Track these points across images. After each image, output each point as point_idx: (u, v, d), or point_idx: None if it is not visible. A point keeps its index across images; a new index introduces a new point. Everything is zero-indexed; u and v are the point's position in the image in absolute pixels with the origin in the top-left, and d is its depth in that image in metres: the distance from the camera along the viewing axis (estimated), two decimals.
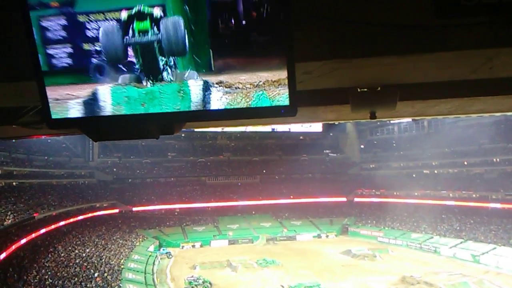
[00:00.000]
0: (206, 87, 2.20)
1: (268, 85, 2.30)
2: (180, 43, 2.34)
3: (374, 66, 3.25)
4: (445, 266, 40.87)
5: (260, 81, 2.21)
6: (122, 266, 37.02)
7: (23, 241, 30.47)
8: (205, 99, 2.30)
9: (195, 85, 2.20)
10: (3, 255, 25.50)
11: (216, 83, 2.19)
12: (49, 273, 27.93)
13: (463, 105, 4.29)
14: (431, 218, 56.33)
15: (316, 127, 73.19)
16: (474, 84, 3.64)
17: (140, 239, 51.94)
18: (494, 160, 55.62)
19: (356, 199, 69.52)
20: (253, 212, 66.46)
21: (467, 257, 44.27)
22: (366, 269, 40.63)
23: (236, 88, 2.24)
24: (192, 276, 35.52)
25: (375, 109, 3.92)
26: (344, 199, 69.88)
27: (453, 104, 4.22)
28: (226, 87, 2.21)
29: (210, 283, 34.68)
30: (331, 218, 66.85)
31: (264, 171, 73.59)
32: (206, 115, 3.05)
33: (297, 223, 65.53)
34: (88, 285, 27.76)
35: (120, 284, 31.00)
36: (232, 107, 2.55)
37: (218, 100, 2.24)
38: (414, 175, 65.38)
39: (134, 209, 60.50)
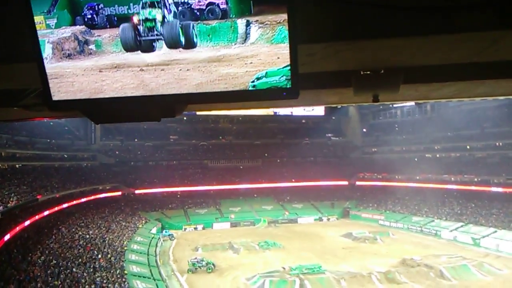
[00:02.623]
0: (248, 24, 2.93)
1: (285, 23, 2.84)
2: (176, 38, 3.02)
3: (378, 49, 3.22)
4: (446, 249, 41.18)
5: (281, 19, 2.81)
6: (125, 248, 37.47)
7: (27, 222, 30.81)
8: (247, 31, 2.94)
9: (241, 23, 2.95)
10: (8, 236, 25.83)
11: (254, 21, 2.91)
12: (53, 254, 28.32)
13: (467, 88, 4.26)
14: (432, 202, 56.56)
15: (319, 111, 72.96)
16: (478, 67, 3.60)
17: (143, 221, 52.44)
18: (497, 144, 55.52)
19: (357, 183, 69.75)
20: (255, 195, 66.84)
21: (468, 241, 44.61)
22: (367, 251, 41.01)
23: (265, 24, 2.90)
24: (196, 258, 35.95)
25: (378, 92, 3.89)
26: (345, 182, 70.11)
27: (457, 87, 4.18)
28: (260, 23, 2.91)
29: (213, 265, 35.12)
30: (333, 201, 67.23)
31: (266, 155, 73.74)
32: (207, 96, 3.04)
33: (298, 206, 65.94)
34: (92, 266, 28.16)
35: (124, 265, 31.43)
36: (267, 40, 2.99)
37: (255, 32, 2.92)
38: (416, 159, 65.38)
39: (137, 191, 60.90)
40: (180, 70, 3.07)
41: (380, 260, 36.82)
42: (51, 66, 3.11)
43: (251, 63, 2.98)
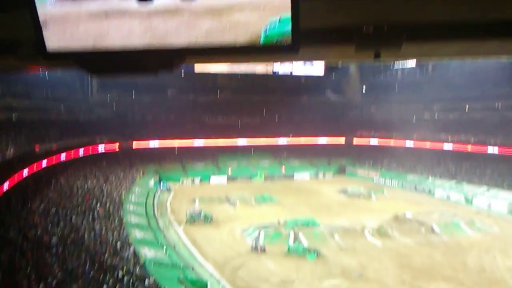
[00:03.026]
0: None
1: None
2: None
3: (382, 5, 3.14)
4: (438, 206, 42.03)
5: None
6: (123, 199, 38.12)
7: (25, 172, 31.14)
8: None
9: None
10: (6, 185, 26.18)
11: None
12: (53, 203, 28.84)
13: (471, 47, 4.19)
14: (427, 161, 57.20)
15: (319, 70, 71.72)
16: (483, 26, 3.53)
17: (141, 174, 53.05)
18: (496, 105, 55.36)
19: (355, 141, 70.13)
20: (253, 151, 67.29)
21: (460, 199, 45.54)
22: (361, 207, 41.90)
23: None
24: (194, 210, 36.66)
25: (380, 49, 3.83)
26: (343, 140, 70.48)
27: (461, 46, 4.11)
28: None
29: (211, 217, 35.88)
30: (329, 158, 67.86)
31: (265, 111, 73.49)
32: (206, 50, 2.99)
33: (295, 163, 66.64)
34: (91, 215, 28.78)
35: (122, 215, 32.11)
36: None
37: None
38: (414, 119, 65.44)
39: (134, 144, 61.16)
40: (189, 16, 2.92)
41: (373, 215, 37.68)
42: (44, 12, 2.99)
43: (264, 9, 2.82)
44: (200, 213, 36.03)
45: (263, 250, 28.08)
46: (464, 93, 58.10)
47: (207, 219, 35.52)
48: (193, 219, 35.33)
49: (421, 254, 27.76)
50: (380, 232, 32.09)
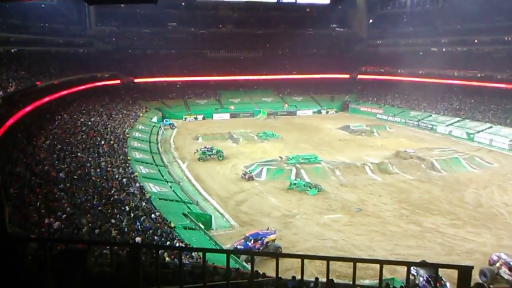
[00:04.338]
0: None
1: None
2: None
3: None
4: (440, 143, 42.35)
5: None
6: (127, 135, 38.35)
7: (28, 108, 31.03)
8: None
9: None
10: (10, 121, 26.20)
11: None
12: (58, 139, 29.04)
13: None
14: (432, 97, 56.66)
15: None
16: None
17: (144, 110, 53.00)
18: (506, 38, 53.63)
19: (359, 76, 69.06)
20: (255, 87, 66.62)
21: (462, 135, 45.70)
22: (363, 144, 42.21)
23: None
24: (205, 147, 36.79)
25: None
26: (347, 76, 69.40)
27: None
28: None
29: (222, 153, 36.29)
30: (333, 94, 67.30)
31: (268, 45, 71.67)
32: None
33: (298, 99, 66.21)
34: (96, 152, 29.11)
35: (127, 151, 32.48)
36: None
37: None
38: (421, 53, 63.86)
39: (136, 80, 60.52)
40: None
41: (374, 152, 38.07)
42: None
43: None
44: (212, 149, 36.31)
45: (251, 178, 29.95)
46: (474, 25, 56.09)
47: (220, 155, 35.97)
48: (205, 156, 35.72)
49: (420, 189, 28.38)
50: (381, 168, 32.59)
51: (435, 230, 21.61)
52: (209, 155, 35.84)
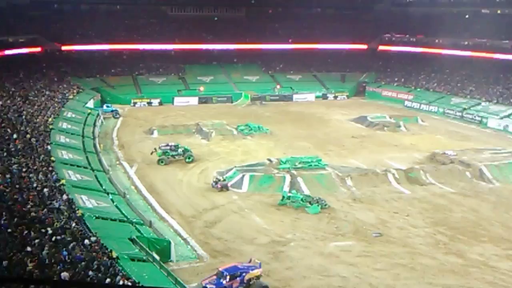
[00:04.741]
0: None
1: None
2: None
3: None
4: (491, 142, 42.80)
5: None
6: (50, 126, 37.81)
7: None
8: None
9: None
10: None
11: None
12: None
13: None
14: (481, 78, 57.28)
15: None
16: None
17: (75, 91, 52.35)
18: None
19: (381, 48, 69.52)
20: (235, 60, 66.51)
21: None
22: (385, 142, 42.46)
23: None
24: (168, 144, 36.32)
25: None
26: (364, 46, 69.78)
27: None
28: None
29: (192, 153, 36.01)
30: (344, 73, 67.56)
31: (253, 1, 71.66)
32: None
33: (295, 78, 66.30)
34: (5, 149, 28.63)
35: (49, 149, 32.03)
36: None
37: None
38: (467, 16, 64.52)
39: (64, 48, 59.79)
40: None
41: (401, 154, 38.30)
42: None
43: None
44: (177, 148, 36.01)
45: (225, 187, 29.72)
46: None
47: (189, 156, 35.73)
48: (167, 157, 35.38)
49: (463, 207, 28.60)
50: (409, 176, 32.75)
51: (484, 263, 21.81)
52: (173, 155, 35.60)
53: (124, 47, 63.31)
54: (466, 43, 60.31)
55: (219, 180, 30.48)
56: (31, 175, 25.85)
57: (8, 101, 40.85)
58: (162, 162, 35.07)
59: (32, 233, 18.66)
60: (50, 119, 39.74)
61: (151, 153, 35.71)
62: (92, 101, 51.91)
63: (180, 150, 35.81)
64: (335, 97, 63.34)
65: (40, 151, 30.92)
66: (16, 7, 60.27)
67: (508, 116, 49.70)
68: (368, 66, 68.59)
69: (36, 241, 18.06)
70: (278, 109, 56.19)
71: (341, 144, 41.69)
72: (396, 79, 65.18)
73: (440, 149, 38.47)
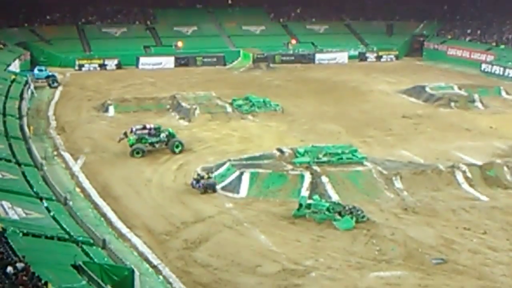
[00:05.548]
0: None
1: None
2: None
3: None
4: None
5: None
6: None
7: None
8: None
9: None
10: None
11: None
12: None
13: None
14: None
15: None
16: None
17: None
18: None
19: None
20: (229, 2, 66.80)
21: None
22: (452, 125, 42.76)
23: None
24: (144, 126, 36.28)
25: None
26: None
27: None
28: None
29: (178, 137, 36.48)
30: (391, 21, 67.54)
31: None
32: None
33: (319, 29, 66.49)
34: None
35: None
36: None
37: None
38: None
39: None
40: None
41: (475, 142, 38.45)
42: None
43: None
44: (158, 131, 36.04)
45: (211, 188, 30.09)
46: None
47: (177, 145, 35.94)
48: (144, 144, 35.50)
49: None
50: (487, 175, 32.82)
51: None
52: (153, 143, 35.75)
53: None
54: None
55: (202, 178, 30.39)
56: None
57: None
58: (138, 153, 35.09)
59: None
60: None
61: (119, 141, 35.75)
62: (17, 62, 52.04)
63: (162, 136, 35.86)
64: (378, 57, 63.48)
65: None
66: None
67: None
68: (427, 11, 68.54)
69: None
70: (293, 75, 56.40)
71: (386, 127, 41.91)
72: (468, 31, 65.10)
73: None
